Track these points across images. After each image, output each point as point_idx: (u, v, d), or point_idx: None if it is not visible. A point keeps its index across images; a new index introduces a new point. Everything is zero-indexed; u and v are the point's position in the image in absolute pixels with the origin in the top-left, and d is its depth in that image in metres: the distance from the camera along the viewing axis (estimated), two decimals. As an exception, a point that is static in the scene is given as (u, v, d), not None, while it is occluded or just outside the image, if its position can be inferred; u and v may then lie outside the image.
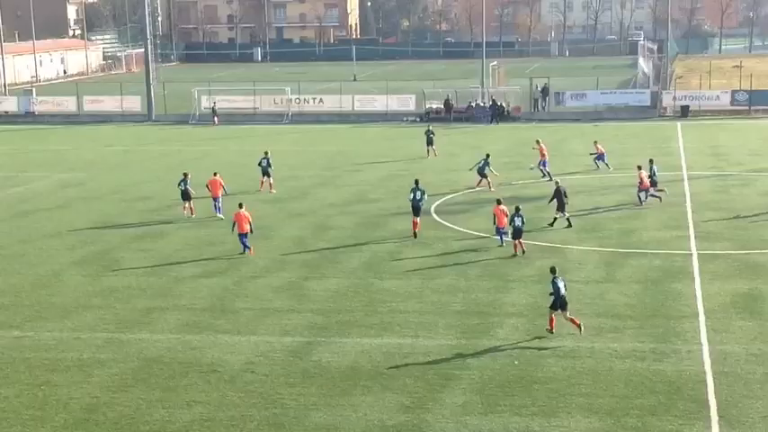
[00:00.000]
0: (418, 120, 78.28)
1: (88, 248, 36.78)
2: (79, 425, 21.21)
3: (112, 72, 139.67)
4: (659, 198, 43.31)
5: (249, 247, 35.45)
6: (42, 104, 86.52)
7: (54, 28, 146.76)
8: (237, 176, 50.00)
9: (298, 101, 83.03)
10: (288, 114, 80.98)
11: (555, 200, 38.98)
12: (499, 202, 36.35)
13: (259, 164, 47.70)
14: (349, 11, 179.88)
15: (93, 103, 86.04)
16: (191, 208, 41.77)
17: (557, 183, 39.83)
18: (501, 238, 35.88)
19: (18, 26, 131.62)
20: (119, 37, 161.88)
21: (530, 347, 25.51)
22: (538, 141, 51.29)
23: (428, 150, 58.06)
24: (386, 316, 28.32)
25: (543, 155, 50.04)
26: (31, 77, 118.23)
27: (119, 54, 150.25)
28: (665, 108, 78.18)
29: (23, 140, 71.20)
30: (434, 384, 23.14)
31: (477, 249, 35.89)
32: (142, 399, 22.48)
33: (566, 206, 38.90)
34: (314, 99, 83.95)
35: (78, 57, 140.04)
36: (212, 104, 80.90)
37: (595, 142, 53.93)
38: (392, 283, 31.55)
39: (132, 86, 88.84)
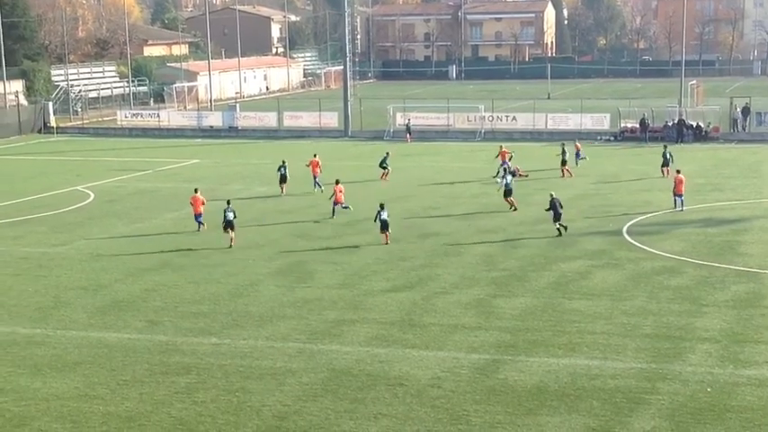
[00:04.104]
0: (612, 139, 77.18)
1: (284, 260, 37.88)
2: None
3: (312, 89, 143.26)
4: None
5: (203, 224, 42.76)
6: (245, 119, 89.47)
7: (258, 46, 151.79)
8: (431, 191, 50.66)
9: (491, 118, 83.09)
10: (480, 132, 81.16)
11: (551, 210, 41.49)
12: (338, 182, 45.89)
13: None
14: (545, 29, 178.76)
15: (292, 119, 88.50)
16: (282, 188, 52.18)
17: (551, 195, 41.93)
18: (346, 208, 45.50)
19: (225, 44, 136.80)
20: (319, 54, 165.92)
21: (723, 374, 24.74)
22: (501, 146, 58.34)
23: (663, 171, 55.78)
24: (574, 336, 28.05)
25: (504, 157, 56.27)
26: (236, 93, 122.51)
27: (318, 71, 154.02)
28: None
29: (226, 154, 73.89)
30: (622, 408, 22.76)
31: (670, 271, 35.11)
32: (331, 409, 22.97)
33: (561, 216, 41.28)
34: (507, 117, 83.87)
35: (280, 74, 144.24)
36: (407, 121, 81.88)
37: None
38: (581, 304, 31.22)
39: (330, 103, 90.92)
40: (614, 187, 54.27)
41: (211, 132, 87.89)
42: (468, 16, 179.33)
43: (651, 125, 76.93)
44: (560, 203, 41.67)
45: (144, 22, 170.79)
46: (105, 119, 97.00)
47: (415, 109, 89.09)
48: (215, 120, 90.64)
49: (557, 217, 41.42)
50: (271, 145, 79.28)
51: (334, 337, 28.30)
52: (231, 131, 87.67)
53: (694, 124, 76.57)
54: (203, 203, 43.41)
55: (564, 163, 58.00)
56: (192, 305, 31.71)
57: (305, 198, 51.76)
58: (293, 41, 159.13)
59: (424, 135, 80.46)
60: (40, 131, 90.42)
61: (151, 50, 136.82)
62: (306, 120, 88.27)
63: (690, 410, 22.54)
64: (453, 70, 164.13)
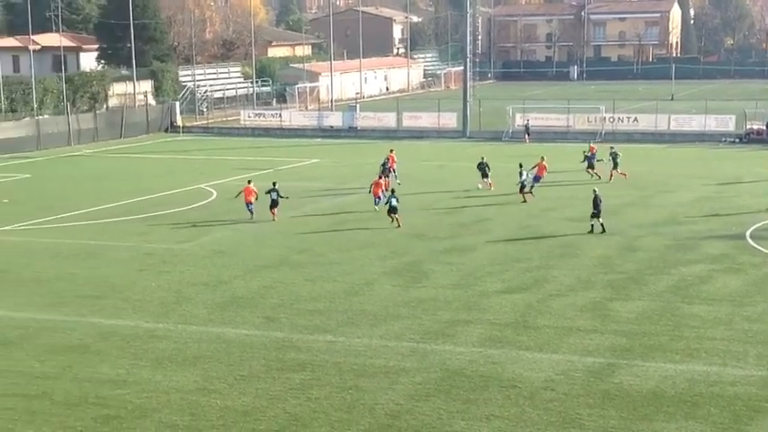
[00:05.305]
0: (737, 141, 75.45)
1: (399, 259, 38.08)
2: (383, 430, 21.97)
3: (431, 89, 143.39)
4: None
5: (252, 212, 46.08)
6: (364, 120, 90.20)
7: (380, 46, 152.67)
8: (547, 192, 50.46)
9: (611, 120, 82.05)
10: (601, 133, 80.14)
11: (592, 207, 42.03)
12: (380, 177, 50.25)
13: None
14: (671, 29, 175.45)
15: (410, 119, 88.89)
16: (387, 182, 51.75)
17: (594, 191, 42.53)
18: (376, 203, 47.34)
19: (347, 45, 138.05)
20: (439, 55, 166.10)
21: None
22: (542, 158, 54.21)
23: None
24: (692, 341, 27.55)
25: (542, 170, 52.91)
26: (356, 94, 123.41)
27: (438, 72, 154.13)
28: None
29: (345, 153, 74.63)
30: (741, 416, 22.27)
31: (795, 278, 34.22)
32: (443, 409, 23.02)
33: (599, 213, 41.77)
34: (628, 118, 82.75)
35: (400, 74, 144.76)
36: (525, 122, 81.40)
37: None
38: (700, 309, 30.66)
39: (449, 103, 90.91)
40: (738, 190, 53.10)
41: (331, 132, 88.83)
42: (592, 16, 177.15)
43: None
44: (600, 200, 41.79)
45: (269, 23, 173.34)
46: (229, 119, 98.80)
47: (535, 110, 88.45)
48: (335, 120, 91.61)
49: (596, 213, 41.76)
50: (389, 145, 79.29)
51: (448, 337, 28.35)
52: (350, 131, 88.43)
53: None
54: (255, 194, 46.41)
55: (615, 166, 56.57)
56: (308, 302, 32.14)
57: (418, 197, 51.94)
58: (414, 42, 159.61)
59: (543, 136, 79.83)
60: (166, 130, 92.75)
61: (275, 51, 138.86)
62: (425, 120, 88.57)
63: (811, 420, 21.97)
64: (574, 71, 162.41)
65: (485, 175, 54.05)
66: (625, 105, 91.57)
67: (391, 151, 57.85)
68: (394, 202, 44.08)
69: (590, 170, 57.10)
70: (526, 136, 78.78)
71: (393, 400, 23.59)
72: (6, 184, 60.83)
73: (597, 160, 57.44)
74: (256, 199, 46.51)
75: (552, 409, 22.90)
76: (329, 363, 26.25)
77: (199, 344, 28.04)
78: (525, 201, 49.73)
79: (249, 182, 47.56)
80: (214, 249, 40.40)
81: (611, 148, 58.83)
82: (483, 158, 55.05)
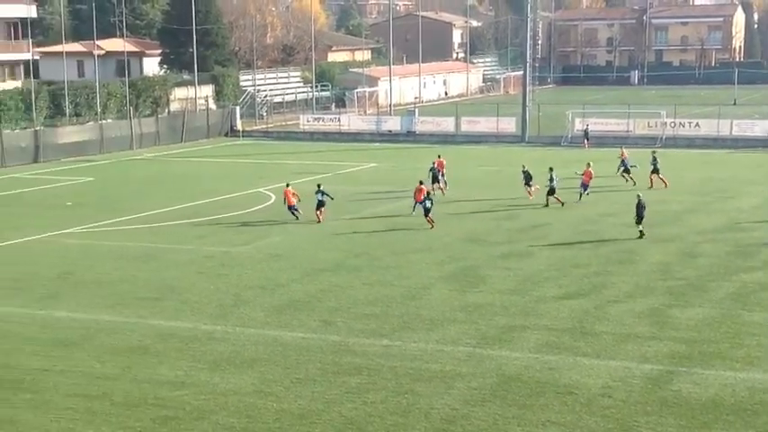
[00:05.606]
0: (803, 146, 74.47)
1: (456, 264, 38.05)
2: (438, 434, 22.00)
3: (490, 94, 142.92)
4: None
5: (297, 211, 46.82)
6: (423, 124, 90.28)
7: (439, 51, 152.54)
8: (604, 198, 50.01)
9: (672, 124, 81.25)
10: (661, 138, 79.35)
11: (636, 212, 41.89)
12: (421, 183, 48.05)
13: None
14: (734, 33, 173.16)
15: (469, 124, 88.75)
16: (441, 188, 53.88)
17: (638, 196, 42.12)
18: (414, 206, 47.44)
19: (406, 50, 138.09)
20: (498, 60, 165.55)
21: None
22: (588, 164, 52.47)
23: None
24: (753, 349, 27.19)
25: (589, 178, 51.48)
26: (415, 98, 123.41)
27: (497, 76, 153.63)
28: None
29: (403, 158, 74.66)
30: (802, 425, 22.01)
31: None
32: (499, 414, 22.97)
33: (642, 219, 41.58)
34: (689, 123, 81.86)
35: (459, 79, 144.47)
36: (585, 127, 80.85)
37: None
38: (761, 316, 30.23)
39: (508, 108, 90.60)
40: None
41: (389, 137, 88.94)
42: (654, 21, 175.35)
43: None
44: (644, 206, 41.79)
45: (329, 28, 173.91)
46: (288, 123, 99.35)
47: (595, 114, 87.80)
48: (393, 124, 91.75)
49: (639, 219, 41.63)
50: (447, 149, 79.23)
51: (504, 342, 28.28)
52: (409, 136, 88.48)
53: None
54: (294, 195, 47.28)
55: (655, 172, 55.82)
56: (364, 306, 32.25)
57: (476, 202, 51.87)
58: (474, 47, 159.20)
59: (602, 141, 79.10)
60: (226, 135, 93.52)
61: (335, 56, 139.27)
62: (483, 125, 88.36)
63: None
64: (635, 75, 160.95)
65: (527, 184, 52.76)
66: (686, 110, 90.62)
67: (439, 156, 57.95)
68: (428, 204, 44.94)
69: (625, 174, 56.77)
70: (585, 141, 78.20)
71: (449, 404, 23.58)
72: (70, 187, 61.82)
73: (631, 166, 56.90)
74: (299, 201, 47.40)
75: (609, 416, 22.75)
76: (385, 367, 26.30)
77: (256, 346, 28.26)
78: (561, 203, 49.76)
79: (288, 185, 48.32)
80: (271, 252, 40.69)
81: (653, 152, 58.18)
82: (524, 166, 53.84)
